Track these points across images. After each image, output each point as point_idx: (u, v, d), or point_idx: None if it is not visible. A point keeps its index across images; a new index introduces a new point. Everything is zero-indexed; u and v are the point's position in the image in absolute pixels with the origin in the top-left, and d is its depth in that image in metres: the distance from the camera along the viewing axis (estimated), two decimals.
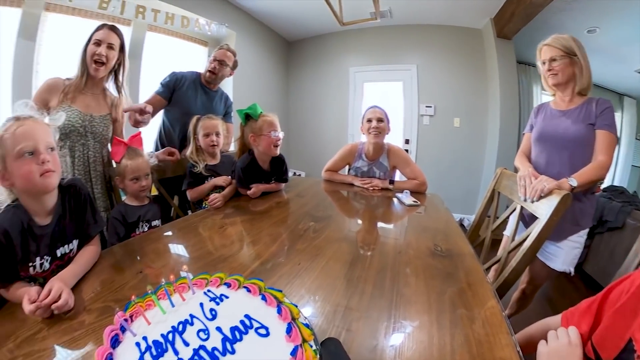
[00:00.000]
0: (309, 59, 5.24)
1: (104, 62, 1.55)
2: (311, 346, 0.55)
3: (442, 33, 4.25)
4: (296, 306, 0.64)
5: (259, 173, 1.83)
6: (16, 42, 2.47)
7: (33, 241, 0.96)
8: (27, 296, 0.78)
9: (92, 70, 1.55)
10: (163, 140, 2.24)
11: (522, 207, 1.37)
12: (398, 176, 2.12)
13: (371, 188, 1.93)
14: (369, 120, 1.97)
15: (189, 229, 1.43)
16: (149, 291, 0.68)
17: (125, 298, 0.78)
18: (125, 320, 0.62)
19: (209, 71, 2.20)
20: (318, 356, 0.54)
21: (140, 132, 1.68)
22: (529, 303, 1.76)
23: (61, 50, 2.55)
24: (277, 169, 1.90)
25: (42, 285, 0.83)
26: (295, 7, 4.12)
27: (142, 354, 0.55)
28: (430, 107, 4.35)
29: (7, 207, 0.95)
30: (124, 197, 1.64)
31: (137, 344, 0.58)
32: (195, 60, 3.86)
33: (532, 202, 1.27)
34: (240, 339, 0.57)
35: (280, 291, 0.69)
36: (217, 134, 1.88)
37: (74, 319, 0.81)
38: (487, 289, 0.86)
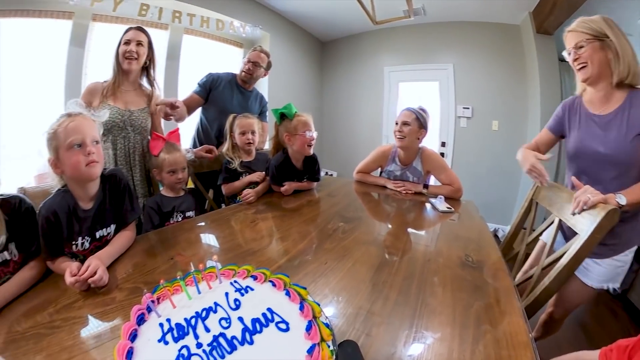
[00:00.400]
0: (342, 59, 5.20)
1: (135, 57, 1.65)
2: (329, 346, 0.54)
3: (478, 30, 4.01)
4: (319, 305, 0.63)
5: (292, 171, 1.86)
6: (68, 50, 2.84)
7: (77, 222, 1.09)
8: (69, 270, 0.89)
9: (125, 65, 1.66)
10: (200, 137, 2.35)
11: (561, 220, 1.22)
12: (433, 181, 2.04)
13: (404, 191, 1.86)
14: (397, 123, 1.91)
15: (221, 222, 1.49)
16: (178, 277, 0.71)
17: (155, 281, 0.84)
18: (152, 301, 0.66)
19: (244, 72, 2.25)
20: (334, 357, 0.53)
21: (178, 128, 1.78)
22: (557, 328, 1.55)
23: (107, 55, 2.55)
24: (310, 168, 1.92)
25: (82, 262, 0.94)
26: (328, 7, 4.10)
27: (164, 334, 0.58)
28: (468, 108, 4.12)
29: (58, 192, 1.09)
30: (161, 188, 1.73)
31: (161, 325, 0.61)
32: (231, 61, 4.02)
33: (573, 214, 1.11)
34: (260, 331, 0.57)
35: (305, 288, 0.69)
36: (253, 132, 1.90)
37: (107, 294, 0.90)
38: (516, 307, 0.80)
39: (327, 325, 0.58)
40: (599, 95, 1.28)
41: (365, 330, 0.70)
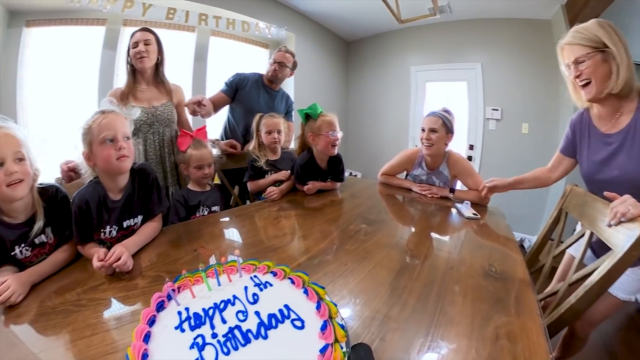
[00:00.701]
0: (368, 58, 5.11)
1: (145, 56, 1.71)
2: (341, 347, 0.53)
3: (506, 27, 3.79)
4: (336, 305, 0.63)
5: (316, 171, 1.87)
6: (101, 53, 3.11)
7: (106, 212, 1.17)
8: (96, 255, 0.96)
9: (138, 65, 1.73)
10: (228, 134, 2.42)
11: (592, 233, 1.11)
12: (459, 185, 1.98)
13: (429, 195, 1.80)
14: (423, 130, 1.83)
15: (245, 217, 1.53)
16: (200, 268, 0.74)
17: (177, 271, 0.88)
18: (173, 290, 0.69)
19: (270, 73, 2.28)
20: (346, 359, 0.52)
21: (205, 126, 1.85)
22: (579, 347, 1.41)
23: None
24: (334, 168, 1.92)
25: (109, 249, 1.01)
26: (352, 7, 4.05)
27: (181, 322, 0.60)
28: (497, 110, 3.91)
29: (90, 182, 1.18)
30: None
31: (179, 313, 0.63)
32: (257, 62, 4.11)
33: (609, 226, 0.99)
34: (275, 327, 0.58)
35: (323, 288, 0.68)
36: (279, 132, 1.93)
37: (130, 280, 0.97)
38: (537, 324, 0.74)
39: (342, 327, 0.57)
40: (607, 111, 1.19)
41: (380, 335, 0.69)
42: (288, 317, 0.60)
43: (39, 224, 1.03)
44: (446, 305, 0.80)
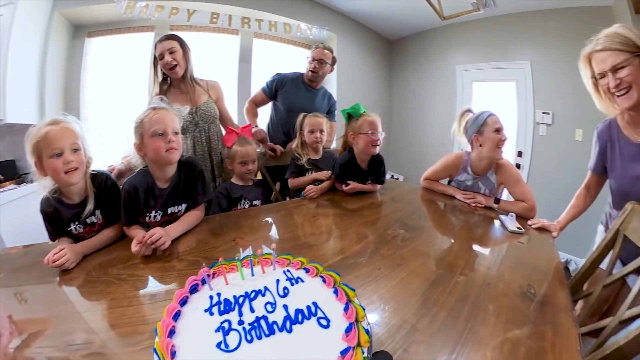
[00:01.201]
0: (411, 57, 4.92)
1: (175, 64, 1.75)
2: (363, 352, 0.52)
3: (559, 18, 3.33)
4: (364, 309, 0.62)
5: (356, 171, 1.86)
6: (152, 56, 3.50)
7: (152, 199, 1.29)
8: (136, 239, 1.09)
9: (172, 75, 1.79)
10: (270, 132, 2.49)
11: None
12: (505, 195, 1.85)
13: (473, 204, 1.68)
14: (498, 130, 1.64)
15: (284, 213, 1.59)
16: (236, 257, 0.78)
17: (214, 258, 0.94)
18: (208, 275, 0.72)
19: (311, 71, 2.29)
20: None
21: (250, 124, 1.96)
22: None
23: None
24: (375, 169, 1.89)
25: None
26: (394, 4, 3.93)
27: (211, 306, 0.63)
28: (548, 113, 3.52)
29: (140, 171, 1.32)
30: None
31: (210, 297, 0.66)
32: (300, 62, 4.20)
33: None
34: (301, 322, 0.59)
35: (354, 290, 0.68)
36: (321, 131, 1.96)
37: (168, 262, 1.07)
38: None
39: (367, 332, 0.56)
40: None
41: (404, 345, 0.67)
42: (315, 315, 0.60)
43: (89, 207, 1.19)
44: (477, 323, 0.75)
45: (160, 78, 1.81)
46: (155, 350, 0.54)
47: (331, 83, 4.29)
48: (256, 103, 2.41)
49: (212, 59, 3.80)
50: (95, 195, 1.22)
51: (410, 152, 4.99)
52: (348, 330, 0.55)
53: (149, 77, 1.86)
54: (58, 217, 1.18)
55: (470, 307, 0.81)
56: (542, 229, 1.41)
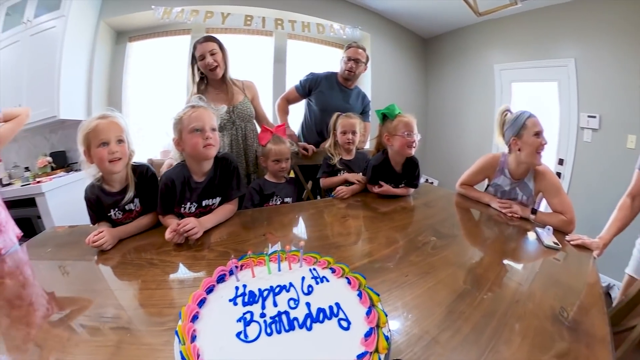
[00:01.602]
0: (447, 56, 4.70)
1: (215, 65, 1.84)
2: (379, 359, 0.52)
3: (607, 9, 2.88)
4: (386, 315, 0.61)
5: (390, 173, 1.82)
6: (189, 58, 3.81)
7: (188, 191, 1.39)
8: (170, 227, 1.18)
9: (212, 75, 1.88)
10: (303, 132, 2.54)
11: None
12: (543, 206, 1.69)
13: (509, 214, 1.57)
14: (537, 134, 1.55)
15: (314, 212, 1.61)
16: (265, 252, 0.80)
17: (243, 250, 1.01)
18: (236, 267, 0.75)
19: (347, 70, 2.30)
20: None
21: (284, 123, 2.04)
22: None
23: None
24: (409, 172, 1.84)
25: None
26: (427, 2, 3.82)
27: (236, 296, 0.66)
28: (594, 117, 3.10)
29: (177, 164, 1.42)
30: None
31: (236, 288, 0.69)
32: (334, 62, 4.25)
33: None
34: (322, 321, 0.59)
35: (378, 295, 0.67)
36: (354, 133, 1.98)
37: (199, 251, 1.15)
38: None
39: (386, 338, 0.55)
40: None
41: (422, 357, 0.65)
42: (336, 315, 0.60)
43: (129, 195, 1.32)
44: (501, 342, 0.71)
45: (197, 78, 1.91)
46: (176, 333, 0.58)
47: (365, 83, 4.27)
48: (288, 100, 2.47)
49: (247, 60, 3.96)
50: (136, 185, 1.34)
51: (446, 155, 4.80)
52: (368, 334, 0.55)
53: (187, 77, 1.97)
54: (99, 203, 1.31)
55: (496, 324, 0.77)
56: (581, 247, 1.29)
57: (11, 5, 3.32)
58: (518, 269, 1.11)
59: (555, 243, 1.26)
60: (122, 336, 0.74)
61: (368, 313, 0.60)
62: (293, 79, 3.84)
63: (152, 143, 3.30)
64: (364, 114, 2.43)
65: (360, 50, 2.31)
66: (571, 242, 1.31)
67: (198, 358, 0.51)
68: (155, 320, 0.79)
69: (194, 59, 1.88)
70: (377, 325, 0.57)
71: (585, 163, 3.21)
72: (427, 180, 4.92)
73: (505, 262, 1.14)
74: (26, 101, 3.17)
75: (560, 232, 1.42)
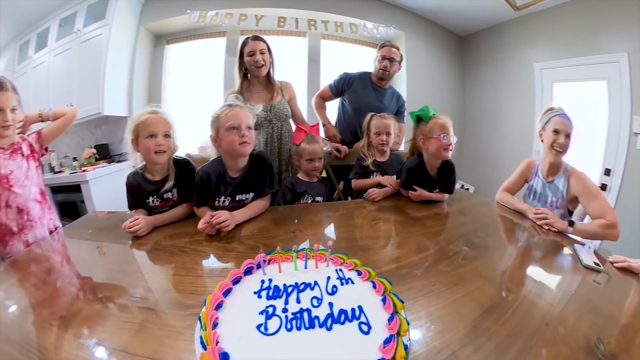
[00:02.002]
0: (484, 54, 4.45)
1: (262, 64, 1.93)
2: None
3: None
4: (408, 324, 0.61)
5: (424, 178, 1.76)
6: (225, 58, 4.09)
7: (223, 185, 1.46)
8: (204, 218, 1.24)
9: (257, 73, 1.96)
10: (338, 126, 2.52)
11: None
12: (577, 216, 1.59)
13: (545, 226, 1.45)
14: (556, 132, 1.55)
15: (344, 212, 1.61)
16: (293, 248, 0.83)
17: (272, 246, 1.04)
18: (264, 261, 0.78)
19: (382, 69, 2.28)
20: None
21: (318, 123, 2.04)
22: None
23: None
24: (445, 177, 1.77)
25: None
26: None
27: (261, 289, 0.68)
28: None
29: (213, 160, 1.50)
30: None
31: (262, 281, 0.71)
32: (367, 61, 4.22)
33: None
34: (342, 323, 0.59)
35: (402, 302, 0.66)
36: (388, 134, 1.95)
37: (229, 243, 1.21)
38: None
39: (405, 347, 0.55)
40: None
41: None
42: (357, 318, 0.60)
43: (169, 184, 1.43)
44: None
45: (242, 73, 2.00)
46: (199, 318, 0.61)
47: (400, 83, 4.22)
48: (323, 98, 2.50)
49: (282, 61, 4.00)
50: (176, 176, 1.45)
51: (483, 161, 4.56)
52: (387, 341, 0.54)
53: (235, 72, 2.05)
54: (139, 190, 1.43)
55: (521, 346, 0.72)
56: (627, 270, 1.13)
57: (63, 17, 3.83)
58: (551, 288, 1.04)
59: (596, 264, 1.14)
60: (147, 316, 0.79)
61: (390, 319, 0.60)
62: (327, 79, 3.89)
63: (189, 139, 3.46)
64: (398, 114, 2.40)
65: (394, 49, 2.29)
66: (615, 264, 1.17)
67: (217, 345, 0.54)
68: (180, 305, 0.84)
69: (241, 55, 1.97)
70: (398, 333, 0.57)
71: (637, 174, 2.82)
72: (462, 186, 4.69)
73: (538, 279, 1.07)
74: (76, 100, 3.64)
75: (603, 239, 1.33)
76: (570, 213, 1.62)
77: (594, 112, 3.13)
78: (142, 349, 0.67)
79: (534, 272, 1.13)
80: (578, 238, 1.37)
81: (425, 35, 4.45)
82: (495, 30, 4.22)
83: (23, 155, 1.47)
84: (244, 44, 1.96)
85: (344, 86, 2.39)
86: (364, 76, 2.39)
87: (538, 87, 3.73)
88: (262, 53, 1.92)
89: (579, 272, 1.12)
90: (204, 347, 0.54)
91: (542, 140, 1.65)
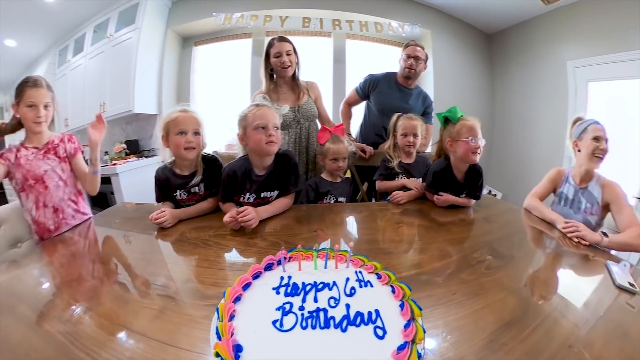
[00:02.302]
0: (514, 52, 4.25)
1: (289, 65, 1.96)
2: None
3: None
4: (424, 332, 0.60)
5: (451, 181, 1.71)
6: (251, 59, 4.24)
7: (248, 182, 1.50)
8: (230, 213, 1.29)
9: (283, 74, 1.99)
10: (362, 131, 2.55)
11: None
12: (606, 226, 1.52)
13: (575, 238, 1.35)
14: (596, 139, 1.53)
15: (367, 214, 1.61)
16: (314, 247, 0.84)
17: (294, 243, 1.04)
18: (284, 257, 0.80)
19: (407, 68, 2.26)
20: None
21: (343, 124, 2.07)
22: None
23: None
24: (472, 182, 1.71)
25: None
26: None
27: (279, 285, 0.70)
28: None
29: (240, 157, 1.56)
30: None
31: (281, 277, 0.73)
32: (393, 60, 4.17)
33: None
34: (358, 325, 0.60)
35: (420, 309, 0.66)
36: (415, 135, 1.92)
37: (252, 238, 1.25)
38: None
39: (419, 355, 0.54)
40: None
41: None
42: (373, 322, 0.60)
43: (197, 179, 1.50)
44: None
45: (269, 74, 2.04)
46: (217, 309, 0.63)
47: (427, 84, 4.14)
48: (350, 104, 2.51)
49: (307, 61, 4.05)
50: (204, 171, 1.53)
51: (512, 166, 4.38)
52: (401, 348, 0.54)
53: (261, 73, 2.09)
54: (167, 183, 1.51)
55: None
56: None
57: (97, 24, 4.25)
58: (578, 307, 0.95)
59: (631, 284, 1.04)
60: (167, 303, 0.83)
61: (406, 326, 0.59)
62: (353, 78, 3.93)
63: (216, 137, 3.56)
64: (425, 115, 2.36)
65: (419, 48, 2.27)
66: None
67: (231, 336, 0.56)
68: (200, 295, 0.87)
69: (267, 56, 2.00)
70: (413, 341, 0.56)
71: None
72: (489, 191, 4.55)
73: (564, 296, 0.99)
74: (108, 98, 4.06)
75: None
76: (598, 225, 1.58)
77: (632, 113, 2.92)
78: (158, 334, 0.71)
79: (561, 287, 1.06)
80: (612, 252, 1.30)
81: (452, 33, 4.36)
82: (525, 27, 4.04)
83: (59, 156, 1.54)
84: (270, 45, 1.99)
85: (369, 88, 2.38)
86: (389, 76, 2.38)
87: (571, 87, 3.53)
88: (288, 54, 1.95)
89: (610, 292, 1.04)
90: (219, 338, 0.56)
91: (578, 150, 1.62)
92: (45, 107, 1.46)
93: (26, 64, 5.01)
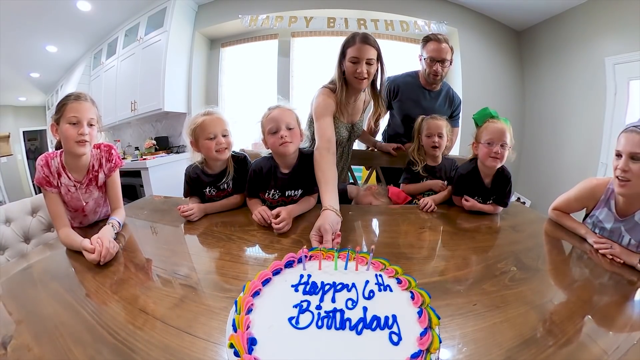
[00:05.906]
0: (545, 50, 4.02)
1: (365, 77, 1.58)
2: None
3: None
4: (440, 342, 0.59)
5: (477, 186, 1.65)
6: (277, 60, 4.47)
7: (273, 180, 1.56)
8: (264, 212, 1.36)
9: (355, 85, 1.63)
10: (385, 138, 2.47)
11: None
12: None
13: (609, 256, 1.22)
14: (618, 155, 1.22)
15: (391, 218, 1.61)
16: (335, 248, 0.88)
17: None
18: (305, 256, 0.82)
19: (432, 75, 2.06)
20: None
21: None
22: None
23: (307, 63, 4.35)
24: (500, 188, 1.64)
25: (269, 208, 1.42)
26: None
27: (299, 283, 0.72)
28: None
29: (264, 156, 1.60)
30: None
31: (301, 275, 0.74)
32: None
33: None
34: (373, 329, 0.60)
35: (439, 318, 0.64)
36: (440, 135, 1.84)
37: (275, 236, 1.28)
38: None
39: None
40: None
41: None
42: (389, 327, 0.60)
43: (228, 178, 1.59)
44: None
45: (342, 77, 1.66)
46: (235, 302, 0.66)
47: (455, 83, 4.05)
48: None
49: (333, 62, 4.01)
50: (235, 170, 1.61)
51: (543, 172, 4.16)
52: (415, 356, 0.53)
53: (335, 73, 1.69)
54: (198, 181, 1.60)
55: None
56: None
57: (128, 28, 4.63)
58: (607, 332, 0.87)
59: None
60: (187, 292, 0.88)
61: (422, 334, 0.58)
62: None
63: (244, 134, 3.69)
64: (452, 118, 2.24)
65: (443, 46, 1.98)
66: None
67: (247, 329, 0.58)
68: (220, 287, 0.91)
69: (343, 55, 1.62)
70: (428, 350, 0.56)
71: None
72: (518, 199, 4.40)
73: (592, 317, 0.91)
74: (139, 97, 4.42)
75: None
76: None
77: None
78: (177, 321, 0.75)
79: (588, 307, 0.96)
80: None
81: (480, 31, 4.24)
82: (557, 22, 3.82)
83: (98, 186, 1.43)
84: (348, 42, 1.59)
85: (390, 96, 2.20)
86: (411, 81, 2.19)
87: (610, 86, 3.26)
88: (368, 63, 1.56)
89: None
90: (235, 330, 0.58)
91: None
92: (90, 124, 1.27)
93: (65, 67, 5.56)
